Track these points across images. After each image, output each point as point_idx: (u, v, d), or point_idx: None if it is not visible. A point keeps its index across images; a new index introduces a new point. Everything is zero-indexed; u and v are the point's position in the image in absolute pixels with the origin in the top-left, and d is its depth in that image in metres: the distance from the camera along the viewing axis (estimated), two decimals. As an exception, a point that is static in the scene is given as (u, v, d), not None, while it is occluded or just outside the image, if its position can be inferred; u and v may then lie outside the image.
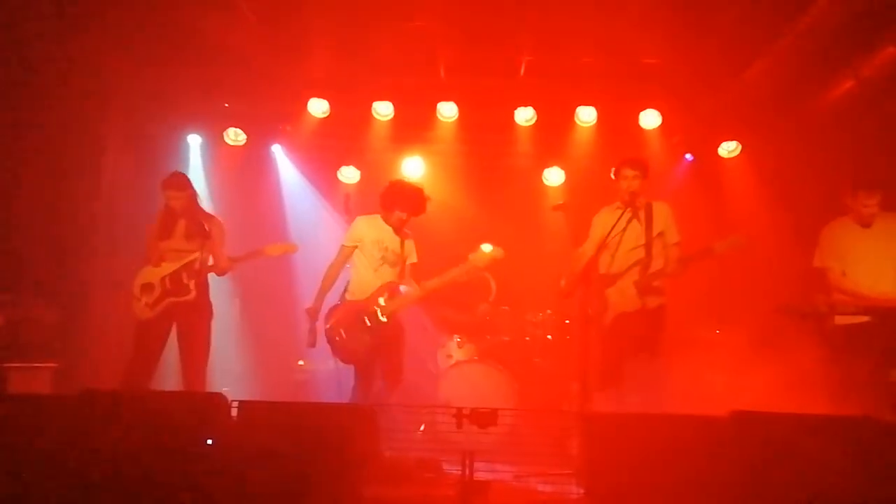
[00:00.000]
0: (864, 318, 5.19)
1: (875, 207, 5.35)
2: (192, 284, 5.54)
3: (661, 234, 5.35)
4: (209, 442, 3.62)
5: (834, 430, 3.54)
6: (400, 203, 5.42)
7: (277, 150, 7.89)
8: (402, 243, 5.48)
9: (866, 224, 5.38)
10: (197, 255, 5.59)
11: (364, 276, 5.39)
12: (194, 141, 7.58)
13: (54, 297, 6.24)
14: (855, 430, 3.53)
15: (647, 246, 5.32)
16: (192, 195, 5.72)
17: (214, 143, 7.60)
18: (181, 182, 5.69)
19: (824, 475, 3.38)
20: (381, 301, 5.32)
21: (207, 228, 5.67)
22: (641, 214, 5.37)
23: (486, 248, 5.48)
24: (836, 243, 5.45)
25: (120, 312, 6.39)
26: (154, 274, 5.58)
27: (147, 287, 5.55)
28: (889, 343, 5.04)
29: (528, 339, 6.72)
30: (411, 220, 5.52)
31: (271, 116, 7.61)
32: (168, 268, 5.58)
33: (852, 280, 5.31)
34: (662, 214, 5.40)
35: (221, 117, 7.51)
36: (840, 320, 5.30)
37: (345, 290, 5.48)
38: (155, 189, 6.54)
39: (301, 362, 7.29)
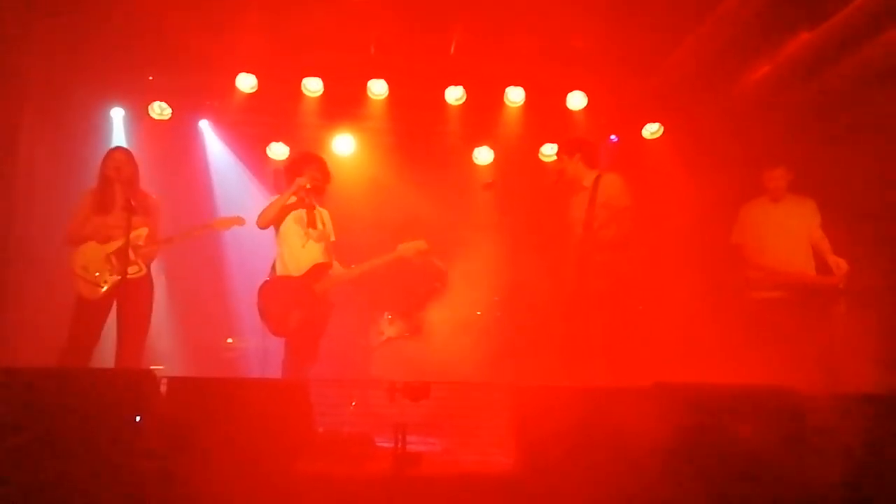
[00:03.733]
0: (779, 293, 5.47)
1: (782, 181, 5.65)
2: (140, 261, 5.43)
3: (604, 205, 5.41)
4: (138, 419, 3.58)
5: (751, 401, 3.70)
6: (303, 170, 5.51)
7: (205, 126, 7.72)
8: (320, 218, 5.53)
9: (776, 199, 5.67)
10: (143, 230, 5.46)
11: (292, 256, 5.42)
12: (117, 114, 7.33)
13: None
14: (771, 401, 3.71)
15: (587, 222, 5.41)
16: (135, 170, 5.59)
17: (138, 117, 7.36)
18: (127, 156, 5.58)
19: (742, 444, 3.55)
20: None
21: (146, 205, 5.54)
22: (585, 192, 5.48)
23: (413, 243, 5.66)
24: (752, 221, 5.72)
25: (38, 290, 6.23)
26: (97, 251, 5.41)
27: (91, 265, 5.37)
28: (802, 316, 5.33)
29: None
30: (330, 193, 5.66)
31: (198, 91, 7.42)
32: (112, 245, 5.41)
33: (767, 256, 5.57)
34: (605, 185, 5.46)
35: (146, 90, 7.29)
36: (756, 295, 5.57)
37: (273, 267, 5.49)
38: (76, 163, 6.41)
39: (230, 340, 7.23)
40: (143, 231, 5.49)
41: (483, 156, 7.97)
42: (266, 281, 5.45)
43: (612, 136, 7.89)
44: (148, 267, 5.55)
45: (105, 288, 5.36)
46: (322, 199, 5.68)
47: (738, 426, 3.57)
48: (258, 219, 5.44)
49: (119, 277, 5.34)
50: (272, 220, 5.42)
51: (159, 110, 7.37)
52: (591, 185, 5.47)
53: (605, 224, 5.36)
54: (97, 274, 5.36)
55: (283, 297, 5.30)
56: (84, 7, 6.06)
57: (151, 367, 5.77)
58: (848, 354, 5.12)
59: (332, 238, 5.66)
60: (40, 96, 6.73)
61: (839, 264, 5.41)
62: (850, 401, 3.68)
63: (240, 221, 5.96)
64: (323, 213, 5.63)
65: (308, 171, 5.50)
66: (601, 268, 5.28)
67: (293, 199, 5.46)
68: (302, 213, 5.47)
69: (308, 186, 5.45)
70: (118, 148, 5.75)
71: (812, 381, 4.73)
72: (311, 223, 5.46)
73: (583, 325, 5.30)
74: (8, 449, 3.36)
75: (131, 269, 5.38)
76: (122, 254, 5.34)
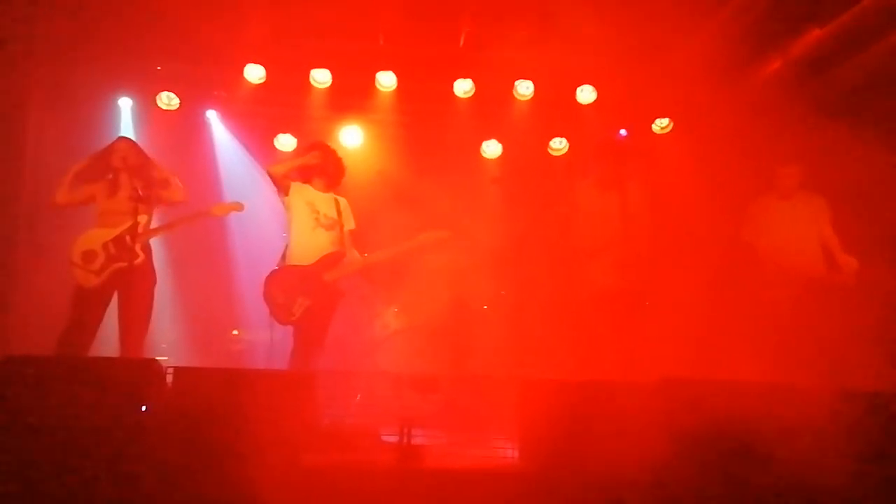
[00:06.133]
0: (789, 290, 5.44)
1: (794, 178, 5.62)
2: (137, 248, 5.38)
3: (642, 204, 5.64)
4: (143, 409, 3.58)
5: (757, 397, 3.70)
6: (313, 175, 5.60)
7: (212, 116, 7.71)
8: (336, 206, 5.53)
9: (787, 196, 5.64)
10: (143, 217, 5.44)
11: (301, 241, 5.43)
12: (125, 104, 7.32)
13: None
14: (778, 397, 3.70)
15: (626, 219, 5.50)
16: (143, 159, 5.66)
17: (146, 107, 7.35)
18: (130, 145, 5.67)
19: (748, 440, 3.54)
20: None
21: (151, 193, 5.55)
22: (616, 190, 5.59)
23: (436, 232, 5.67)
24: (762, 218, 5.69)
25: (46, 278, 6.23)
26: (95, 239, 5.43)
27: (89, 253, 5.38)
28: (812, 313, 5.30)
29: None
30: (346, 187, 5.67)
31: (206, 81, 7.42)
32: (110, 233, 5.44)
33: (778, 253, 5.54)
34: (639, 186, 5.69)
35: (154, 80, 7.28)
36: (765, 292, 5.54)
37: (283, 256, 5.49)
38: (83, 153, 6.38)
39: (235, 332, 7.23)
40: (143, 218, 5.47)
41: (491, 149, 7.94)
42: (274, 270, 5.46)
43: (622, 131, 7.85)
44: (147, 254, 5.54)
45: (100, 276, 5.37)
46: (337, 191, 5.71)
47: (744, 422, 3.57)
48: (270, 165, 5.58)
49: (117, 266, 5.36)
50: (282, 173, 5.48)
51: (167, 100, 7.35)
52: (622, 184, 5.51)
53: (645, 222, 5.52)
54: (94, 262, 5.36)
55: (289, 285, 5.31)
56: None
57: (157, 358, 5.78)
58: (857, 352, 5.10)
59: (351, 226, 5.67)
60: (47, 86, 6.73)
61: (849, 262, 5.39)
62: (859, 398, 3.68)
63: (238, 207, 5.95)
64: (341, 202, 5.65)
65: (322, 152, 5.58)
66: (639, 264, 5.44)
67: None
68: (313, 197, 5.49)
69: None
70: (121, 138, 5.80)
71: (821, 378, 4.71)
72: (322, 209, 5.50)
73: (595, 320, 5.31)
74: (12, 438, 3.37)
75: (131, 257, 5.34)
76: (118, 241, 5.36)
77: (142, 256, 5.44)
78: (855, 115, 5.99)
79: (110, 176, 5.57)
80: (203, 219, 5.91)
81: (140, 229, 5.41)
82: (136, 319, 5.40)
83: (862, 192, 5.72)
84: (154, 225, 5.64)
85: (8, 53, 6.10)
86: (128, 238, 5.35)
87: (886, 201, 5.56)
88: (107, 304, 5.41)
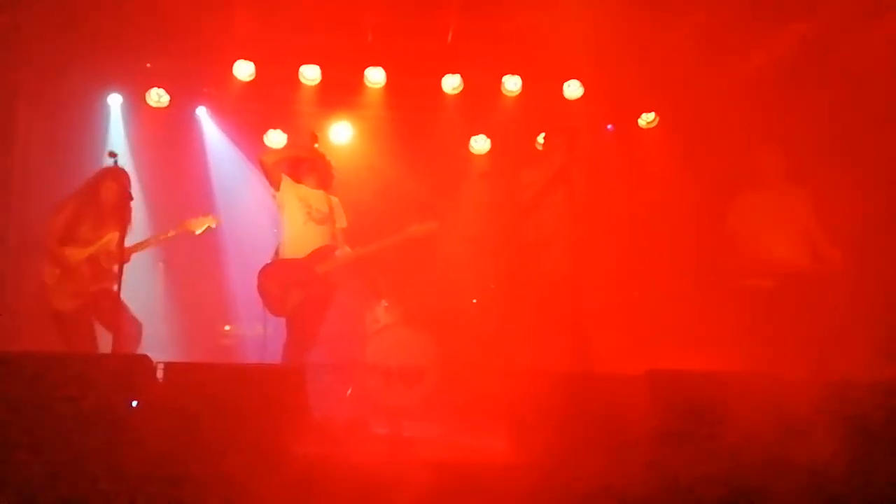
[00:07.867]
0: (773, 281, 5.49)
1: (777, 167, 5.66)
2: (114, 268, 5.31)
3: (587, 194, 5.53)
4: (134, 404, 3.59)
5: (742, 388, 3.73)
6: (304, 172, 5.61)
7: (202, 113, 7.71)
8: (328, 202, 5.55)
9: (771, 186, 5.68)
10: (114, 235, 5.38)
11: (293, 235, 5.46)
12: (115, 101, 7.32)
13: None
14: (761, 388, 3.73)
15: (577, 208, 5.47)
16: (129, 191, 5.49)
17: (136, 104, 7.35)
18: (123, 176, 5.50)
19: (732, 431, 3.58)
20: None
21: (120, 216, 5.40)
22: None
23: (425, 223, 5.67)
24: (747, 209, 5.73)
25: (35, 277, 6.25)
26: (69, 260, 5.41)
27: (64, 276, 5.37)
28: (795, 304, 5.35)
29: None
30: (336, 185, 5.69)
31: (196, 78, 7.42)
32: (82, 253, 5.41)
33: (762, 244, 5.59)
34: (582, 175, 5.53)
35: (143, 77, 7.27)
36: (749, 283, 5.59)
37: (276, 251, 5.52)
38: (73, 150, 6.40)
39: (227, 327, 7.24)
40: (115, 235, 5.39)
41: (480, 145, 7.97)
42: (267, 263, 5.48)
43: (609, 126, 7.90)
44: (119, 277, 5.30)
45: (77, 300, 5.38)
46: (330, 190, 5.74)
47: (728, 413, 3.61)
48: (262, 154, 5.66)
49: (93, 288, 5.37)
50: (274, 161, 5.55)
51: (157, 97, 7.34)
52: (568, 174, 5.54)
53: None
54: (69, 284, 5.38)
55: (283, 277, 5.33)
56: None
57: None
58: (840, 343, 5.15)
59: (342, 224, 5.71)
60: (36, 83, 6.72)
61: (832, 254, 5.44)
62: (840, 388, 3.72)
63: (212, 221, 5.91)
64: (332, 199, 5.69)
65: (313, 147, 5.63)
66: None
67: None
68: (305, 192, 5.53)
69: (316, 146, 5.56)
70: (108, 171, 5.57)
71: (804, 369, 4.76)
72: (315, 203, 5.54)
73: (578, 311, 5.32)
74: (1, 435, 3.38)
75: (108, 279, 5.38)
76: (92, 262, 5.38)
77: (115, 284, 5.21)
78: (839, 107, 6.04)
79: (87, 200, 5.53)
80: (180, 236, 5.86)
81: (113, 247, 5.40)
82: (120, 325, 5.36)
83: (847, 184, 5.77)
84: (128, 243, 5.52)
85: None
86: (102, 258, 5.36)
87: (872, 192, 5.61)
88: (92, 327, 5.41)
